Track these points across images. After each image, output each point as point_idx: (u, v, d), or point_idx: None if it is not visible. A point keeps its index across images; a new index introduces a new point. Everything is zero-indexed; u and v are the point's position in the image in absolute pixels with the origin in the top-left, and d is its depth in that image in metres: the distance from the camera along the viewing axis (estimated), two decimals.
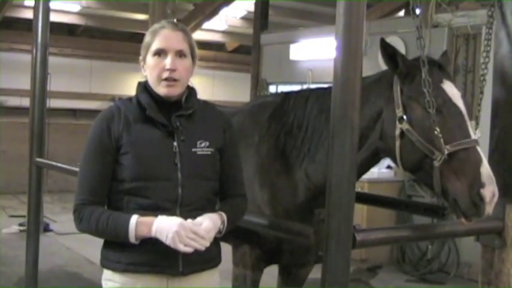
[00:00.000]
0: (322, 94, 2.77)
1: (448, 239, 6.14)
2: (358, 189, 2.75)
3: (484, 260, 2.58)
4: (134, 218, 2.03)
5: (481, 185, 2.20)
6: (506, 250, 2.49)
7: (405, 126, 2.38)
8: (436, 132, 2.26)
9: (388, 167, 7.18)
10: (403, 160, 2.44)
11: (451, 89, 2.41)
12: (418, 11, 2.47)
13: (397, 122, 2.41)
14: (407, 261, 6.81)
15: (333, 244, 1.95)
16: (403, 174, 2.50)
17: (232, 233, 2.78)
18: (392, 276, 6.59)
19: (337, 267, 1.96)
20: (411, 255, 6.78)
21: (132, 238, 2.03)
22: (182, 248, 1.99)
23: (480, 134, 2.40)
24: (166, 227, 1.99)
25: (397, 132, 2.41)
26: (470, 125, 2.37)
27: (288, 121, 2.82)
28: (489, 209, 2.23)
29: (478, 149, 2.30)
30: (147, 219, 2.03)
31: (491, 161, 2.59)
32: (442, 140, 2.25)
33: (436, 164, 2.27)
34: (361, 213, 6.30)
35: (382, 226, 3.90)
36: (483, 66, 2.59)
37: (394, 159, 2.50)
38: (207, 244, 2.04)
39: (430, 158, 2.30)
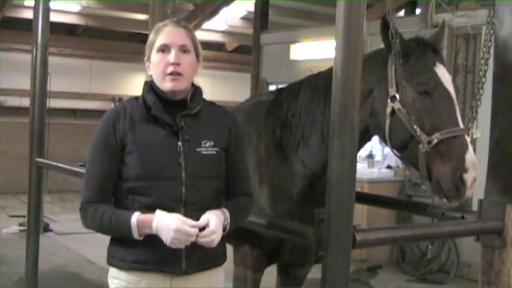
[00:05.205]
0: (314, 78, 2.79)
1: (448, 239, 6.14)
2: (358, 189, 2.75)
3: (484, 260, 2.58)
4: (135, 217, 2.03)
5: (464, 170, 2.29)
6: (506, 250, 2.49)
7: (397, 105, 2.42)
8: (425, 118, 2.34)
9: (388, 167, 7.17)
10: (391, 138, 2.49)
11: (443, 73, 2.46)
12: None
13: (389, 101, 2.44)
14: (407, 261, 6.81)
15: (333, 244, 1.95)
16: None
17: (233, 233, 2.78)
18: (392, 276, 6.59)
19: (337, 267, 1.96)
20: (411, 255, 6.77)
21: (135, 236, 2.05)
22: (183, 246, 2.01)
23: (480, 134, 2.41)
24: (164, 229, 1.99)
25: (388, 110, 2.45)
26: (458, 111, 2.43)
27: (283, 113, 2.83)
28: (469, 192, 2.32)
29: (466, 137, 2.37)
30: (147, 217, 2.03)
31: (491, 161, 2.59)
32: (431, 125, 2.33)
33: (423, 148, 2.33)
34: (361, 213, 6.29)
35: (382, 226, 3.90)
36: (482, 62, 2.60)
37: (383, 137, 2.55)
38: (215, 238, 2.04)
39: (418, 139, 2.35)
